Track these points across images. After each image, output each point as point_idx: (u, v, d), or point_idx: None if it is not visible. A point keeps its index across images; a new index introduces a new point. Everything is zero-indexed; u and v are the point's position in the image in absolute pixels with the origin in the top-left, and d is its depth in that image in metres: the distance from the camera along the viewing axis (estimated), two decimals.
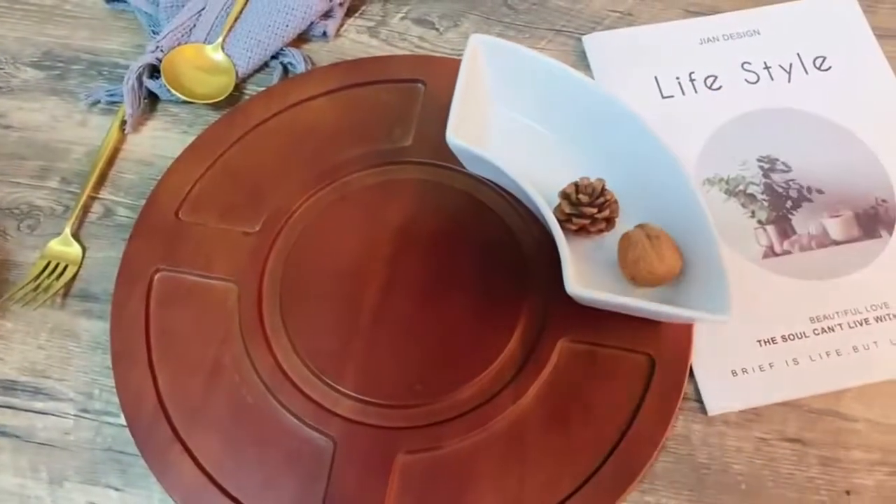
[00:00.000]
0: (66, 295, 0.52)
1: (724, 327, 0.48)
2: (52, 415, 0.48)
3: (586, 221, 0.48)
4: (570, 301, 0.45)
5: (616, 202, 0.49)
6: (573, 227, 0.48)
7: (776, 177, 0.54)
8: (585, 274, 0.48)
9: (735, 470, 0.46)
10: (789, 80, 0.58)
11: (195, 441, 0.45)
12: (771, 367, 0.48)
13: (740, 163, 0.55)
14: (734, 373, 0.48)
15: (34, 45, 0.62)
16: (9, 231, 0.54)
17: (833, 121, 0.56)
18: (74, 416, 0.48)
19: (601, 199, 0.48)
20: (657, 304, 0.43)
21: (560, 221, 0.47)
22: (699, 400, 0.48)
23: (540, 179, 0.49)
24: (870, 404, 0.48)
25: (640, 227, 0.47)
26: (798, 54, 0.59)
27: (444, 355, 0.47)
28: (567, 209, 0.48)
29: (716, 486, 0.46)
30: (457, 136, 0.48)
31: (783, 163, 0.55)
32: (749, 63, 0.59)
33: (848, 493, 0.45)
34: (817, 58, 0.59)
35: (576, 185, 0.49)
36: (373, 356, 0.47)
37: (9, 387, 0.49)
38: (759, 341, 0.49)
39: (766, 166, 0.55)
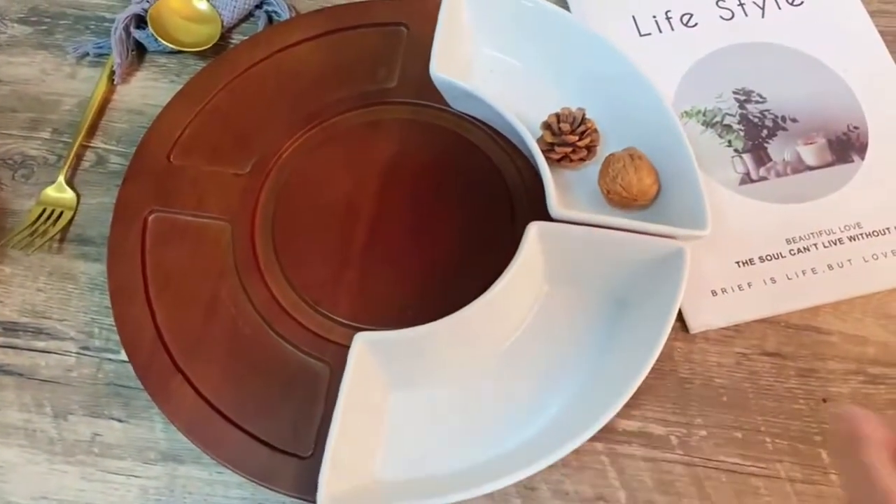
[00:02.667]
0: (62, 240, 0.53)
1: (705, 250, 0.50)
2: (54, 353, 0.50)
3: (568, 150, 0.49)
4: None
5: (596, 131, 0.50)
6: (555, 157, 0.50)
7: (752, 107, 0.56)
8: (568, 202, 0.50)
9: (717, 383, 0.48)
10: (763, 16, 0.60)
11: (195, 371, 0.47)
12: (749, 286, 0.50)
13: (716, 95, 0.57)
14: (714, 293, 0.50)
15: (20, 2, 0.62)
16: (3, 180, 0.55)
17: (806, 53, 0.58)
18: (76, 353, 0.50)
19: (582, 128, 0.49)
20: (638, 222, 0.45)
21: (543, 151, 0.49)
22: (680, 319, 0.49)
23: (522, 114, 0.50)
24: (844, 318, 0.50)
25: (626, 149, 0.48)
26: None
27: (433, 282, 0.49)
28: (549, 138, 0.50)
29: (699, 398, 0.48)
30: (440, 70, 0.49)
31: (758, 94, 0.56)
32: (723, 0, 0.60)
33: (825, 400, 0.47)
34: None
35: (557, 115, 0.50)
36: (364, 285, 0.49)
37: (10, 328, 0.50)
38: (737, 262, 0.51)
39: (742, 98, 0.56)
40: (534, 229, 0.46)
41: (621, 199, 0.48)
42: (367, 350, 0.43)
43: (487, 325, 0.45)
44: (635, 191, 0.47)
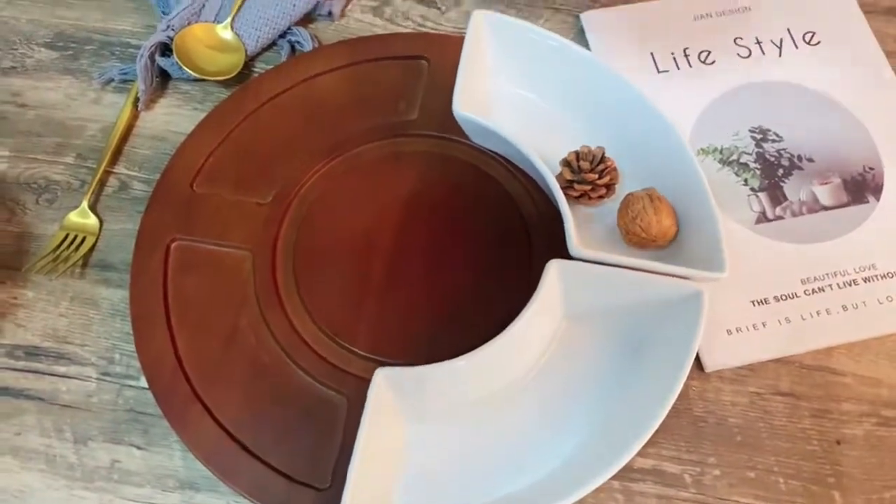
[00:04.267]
0: (85, 265, 0.54)
1: (720, 289, 0.50)
2: (75, 378, 0.50)
3: (587, 187, 0.50)
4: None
5: (616, 169, 0.51)
6: (574, 194, 0.50)
7: (768, 146, 0.57)
8: (586, 239, 0.50)
9: (731, 423, 0.48)
10: (780, 55, 0.60)
11: (214, 400, 0.47)
12: (764, 325, 0.50)
13: (733, 133, 0.57)
14: (729, 332, 0.50)
15: (47, 27, 0.63)
16: (27, 205, 0.56)
17: (822, 92, 0.58)
18: (97, 379, 0.50)
19: (601, 166, 0.50)
20: (657, 263, 0.46)
21: (562, 188, 0.49)
22: (696, 357, 0.50)
23: (542, 150, 0.51)
24: (858, 360, 0.50)
25: (645, 189, 0.49)
26: (788, 30, 0.61)
27: (451, 315, 0.49)
28: (568, 176, 0.50)
29: (713, 437, 0.48)
30: (462, 107, 0.50)
31: (775, 133, 0.57)
32: (741, 38, 0.61)
33: (838, 442, 0.48)
34: (807, 33, 0.61)
35: (577, 153, 0.51)
36: (383, 317, 0.50)
37: (32, 352, 0.51)
38: (752, 302, 0.51)
39: (759, 136, 0.57)
40: (553, 267, 0.46)
41: (640, 239, 0.48)
42: (386, 385, 0.44)
43: (506, 361, 0.46)
44: (654, 232, 0.48)
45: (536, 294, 0.45)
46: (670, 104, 0.57)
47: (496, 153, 0.55)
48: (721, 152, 0.56)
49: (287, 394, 0.48)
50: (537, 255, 0.51)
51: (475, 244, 0.52)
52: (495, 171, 0.54)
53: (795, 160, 0.56)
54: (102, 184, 0.57)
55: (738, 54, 0.60)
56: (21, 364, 0.51)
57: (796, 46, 0.61)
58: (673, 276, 0.46)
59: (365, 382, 0.46)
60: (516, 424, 0.46)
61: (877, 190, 0.55)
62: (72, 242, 0.54)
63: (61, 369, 0.50)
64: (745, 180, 0.55)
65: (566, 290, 0.47)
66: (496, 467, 0.45)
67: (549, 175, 0.49)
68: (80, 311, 0.52)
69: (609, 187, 0.51)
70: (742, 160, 0.56)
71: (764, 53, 0.60)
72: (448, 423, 0.46)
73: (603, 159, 0.50)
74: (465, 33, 0.53)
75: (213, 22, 0.61)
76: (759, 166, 0.56)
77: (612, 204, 0.51)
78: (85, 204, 0.55)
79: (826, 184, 0.55)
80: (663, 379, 0.44)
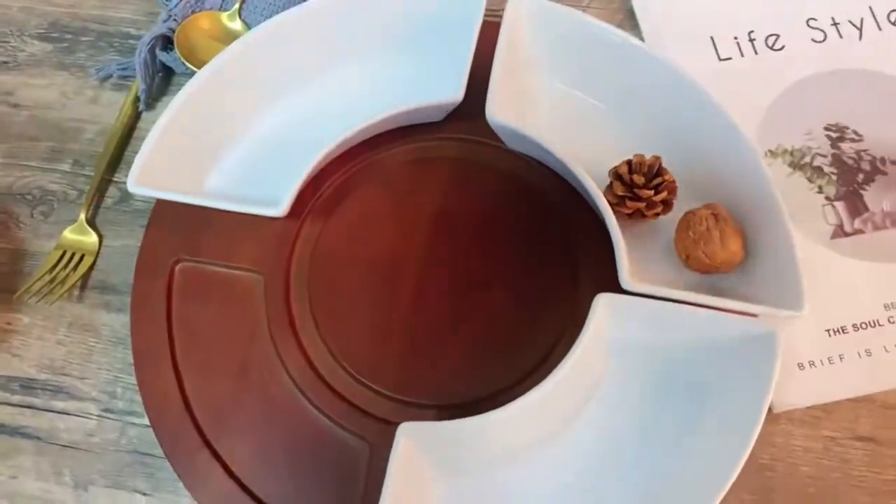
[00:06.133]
0: (83, 287, 0.49)
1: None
2: (75, 415, 0.46)
3: (641, 205, 0.44)
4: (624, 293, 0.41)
5: (674, 182, 0.44)
6: (626, 211, 0.44)
7: (846, 147, 0.50)
8: (639, 262, 0.44)
9: (802, 472, 0.43)
10: (860, 38, 0.53)
11: (224, 446, 0.43)
12: (841, 359, 0.45)
13: (806, 132, 0.50)
14: (801, 366, 0.44)
15: (40, 16, 0.58)
16: (22, 218, 0.51)
17: None
18: (97, 416, 0.46)
19: (658, 180, 0.44)
20: (722, 299, 0.40)
21: (612, 205, 0.43)
22: None
23: (589, 156, 0.45)
24: None
25: (708, 206, 0.43)
26: (870, 7, 0.54)
27: (485, 352, 0.44)
28: (619, 191, 0.44)
29: (782, 489, 0.43)
30: (498, 112, 0.44)
31: (854, 131, 0.50)
32: (815, 19, 0.54)
33: None
34: (892, 11, 0.53)
35: (629, 163, 0.44)
36: (410, 352, 0.44)
37: (27, 385, 0.47)
38: (827, 331, 0.45)
39: (835, 135, 0.50)
40: (602, 303, 0.40)
41: (702, 265, 0.42)
42: (411, 442, 0.39)
43: (545, 412, 0.41)
44: (720, 259, 0.41)
45: (582, 335, 0.40)
46: (733, 98, 0.49)
47: (535, 158, 0.48)
48: (792, 154, 0.50)
49: (303, 438, 0.43)
50: (584, 281, 0.45)
51: (512, 269, 0.46)
52: (534, 180, 0.48)
53: (878, 163, 0.49)
54: (101, 194, 0.52)
55: (812, 38, 0.53)
56: (17, 398, 0.47)
57: (880, 28, 0.53)
58: (741, 313, 0.40)
59: (389, 426, 0.42)
60: (559, 479, 0.41)
61: None
62: (69, 261, 0.49)
63: (59, 405, 0.46)
64: (820, 187, 0.49)
65: (616, 327, 0.41)
66: None
67: (597, 192, 0.43)
68: (79, 338, 0.48)
69: (667, 203, 0.44)
70: (816, 163, 0.49)
71: (841, 36, 0.53)
72: (481, 479, 0.41)
73: (660, 171, 0.44)
74: (499, 19, 0.46)
75: (219, 10, 0.55)
76: (835, 171, 0.49)
77: (669, 220, 0.45)
78: (83, 217, 0.50)
79: None
80: (732, 431, 0.38)
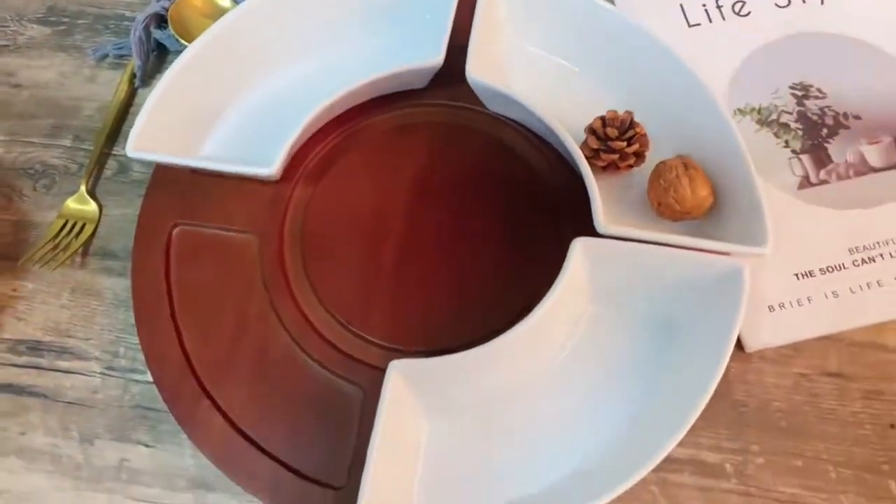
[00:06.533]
0: (85, 253, 0.51)
1: (761, 262, 0.46)
2: (79, 374, 0.48)
3: (615, 156, 0.46)
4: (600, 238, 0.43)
5: (646, 135, 0.47)
6: (601, 164, 0.46)
7: (810, 104, 0.52)
8: (614, 213, 0.47)
9: (774, 407, 0.45)
10: (822, 2, 0.55)
11: (223, 396, 0.45)
12: (809, 301, 0.47)
13: (772, 91, 0.53)
14: (771, 308, 0.47)
15: (38, 1, 0.60)
16: (25, 191, 0.53)
17: (870, 43, 0.54)
18: (101, 374, 0.48)
19: (630, 133, 0.46)
20: (692, 238, 0.42)
21: (587, 158, 0.46)
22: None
23: (565, 116, 0.48)
24: None
25: (678, 156, 0.45)
26: None
27: (470, 299, 0.46)
28: (594, 144, 0.46)
29: (755, 423, 0.45)
30: (477, 71, 0.46)
31: (817, 89, 0.53)
32: None
33: (892, 426, 0.44)
34: None
35: (602, 118, 0.47)
36: (399, 303, 0.46)
37: (34, 347, 0.49)
38: (796, 275, 0.47)
39: (800, 93, 0.53)
40: (579, 246, 0.43)
41: (673, 212, 0.44)
42: (402, 379, 0.41)
43: (529, 349, 0.43)
44: (689, 204, 0.44)
45: (561, 275, 0.42)
46: (703, 61, 0.52)
47: (515, 121, 0.51)
48: (759, 112, 0.52)
49: (299, 386, 0.45)
50: (562, 232, 0.47)
51: (495, 222, 0.48)
52: (515, 141, 0.51)
53: (841, 118, 0.51)
54: (101, 166, 0.54)
55: (776, 4, 0.56)
56: (23, 360, 0.49)
57: None
58: (710, 251, 0.42)
59: (381, 372, 0.43)
60: (543, 416, 0.43)
61: None
62: (71, 230, 0.51)
63: (64, 364, 0.48)
64: (786, 142, 0.51)
65: (594, 269, 0.43)
66: (522, 463, 0.42)
67: (573, 144, 0.45)
68: (82, 302, 0.50)
69: (639, 155, 0.47)
70: (782, 120, 0.52)
71: (804, 2, 0.56)
72: (469, 417, 0.43)
73: (632, 125, 0.46)
74: None
75: None
76: (800, 126, 0.51)
77: (643, 172, 0.48)
78: (83, 189, 0.53)
79: (875, 143, 0.51)
80: (702, 363, 0.40)
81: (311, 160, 0.51)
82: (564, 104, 0.50)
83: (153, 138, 0.47)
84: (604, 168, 0.47)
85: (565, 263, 0.42)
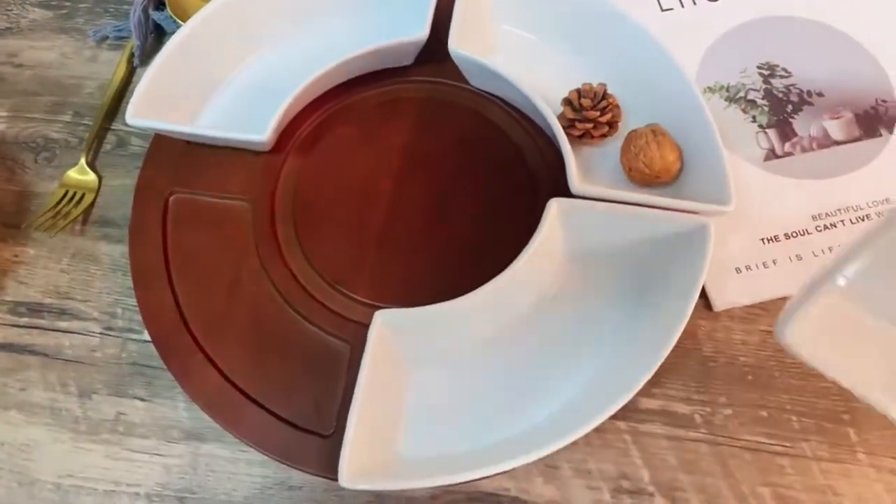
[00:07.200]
0: (85, 221, 0.53)
1: (729, 227, 0.49)
2: (78, 333, 0.50)
3: (589, 126, 0.49)
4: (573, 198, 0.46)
5: (618, 106, 0.49)
6: (576, 133, 0.49)
7: (776, 82, 0.55)
8: (589, 179, 0.49)
9: (741, 361, 0.47)
10: None
11: (216, 350, 0.47)
12: (774, 263, 0.49)
13: (740, 70, 0.56)
14: (738, 270, 0.49)
15: None
16: (26, 164, 0.56)
17: (832, 26, 0.57)
18: (99, 334, 0.50)
19: (603, 103, 0.49)
20: (661, 198, 0.44)
21: (564, 128, 0.48)
22: (704, 297, 0.49)
23: (543, 90, 0.50)
24: None
25: (648, 125, 0.48)
26: None
27: (453, 261, 0.49)
28: (570, 115, 0.49)
29: (723, 377, 0.47)
30: (459, 45, 0.49)
31: (783, 69, 0.55)
32: None
33: None
34: None
35: (578, 91, 0.50)
36: (384, 264, 0.49)
37: (35, 308, 0.51)
38: (762, 240, 0.50)
39: (766, 73, 0.55)
40: (554, 206, 0.45)
41: (643, 176, 0.47)
42: (386, 328, 0.43)
43: (507, 301, 0.45)
44: (658, 168, 0.46)
45: (537, 233, 0.44)
46: (675, 43, 0.54)
47: (497, 97, 0.53)
48: (728, 90, 0.55)
49: (289, 342, 0.47)
50: (541, 198, 0.49)
51: (477, 190, 0.51)
52: (496, 115, 0.53)
53: (805, 95, 0.54)
54: (100, 140, 0.56)
55: None
56: (24, 321, 0.50)
57: None
58: (678, 210, 0.44)
59: (367, 328, 0.45)
60: (520, 365, 0.45)
61: (890, 123, 0.53)
62: (71, 199, 0.53)
63: (64, 325, 0.50)
64: (753, 117, 0.54)
65: (568, 228, 0.46)
66: (500, 408, 0.44)
67: (551, 114, 0.48)
68: (82, 266, 0.52)
69: (612, 125, 0.49)
70: (749, 97, 0.55)
71: None
72: (450, 365, 0.45)
73: (605, 96, 0.49)
74: None
75: None
76: (767, 103, 0.54)
77: (616, 143, 0.50)
78: (83, 161, 0.55)
79: (837, 118, 0.53)
80: (669, 314, 0.43)
81: (301, 132, 0.53)
82: (543, 80, 0.52)
83: (152, 107, 0.50)
84: (579, 137, 0.50)
85: (541, 222, 0.45)
